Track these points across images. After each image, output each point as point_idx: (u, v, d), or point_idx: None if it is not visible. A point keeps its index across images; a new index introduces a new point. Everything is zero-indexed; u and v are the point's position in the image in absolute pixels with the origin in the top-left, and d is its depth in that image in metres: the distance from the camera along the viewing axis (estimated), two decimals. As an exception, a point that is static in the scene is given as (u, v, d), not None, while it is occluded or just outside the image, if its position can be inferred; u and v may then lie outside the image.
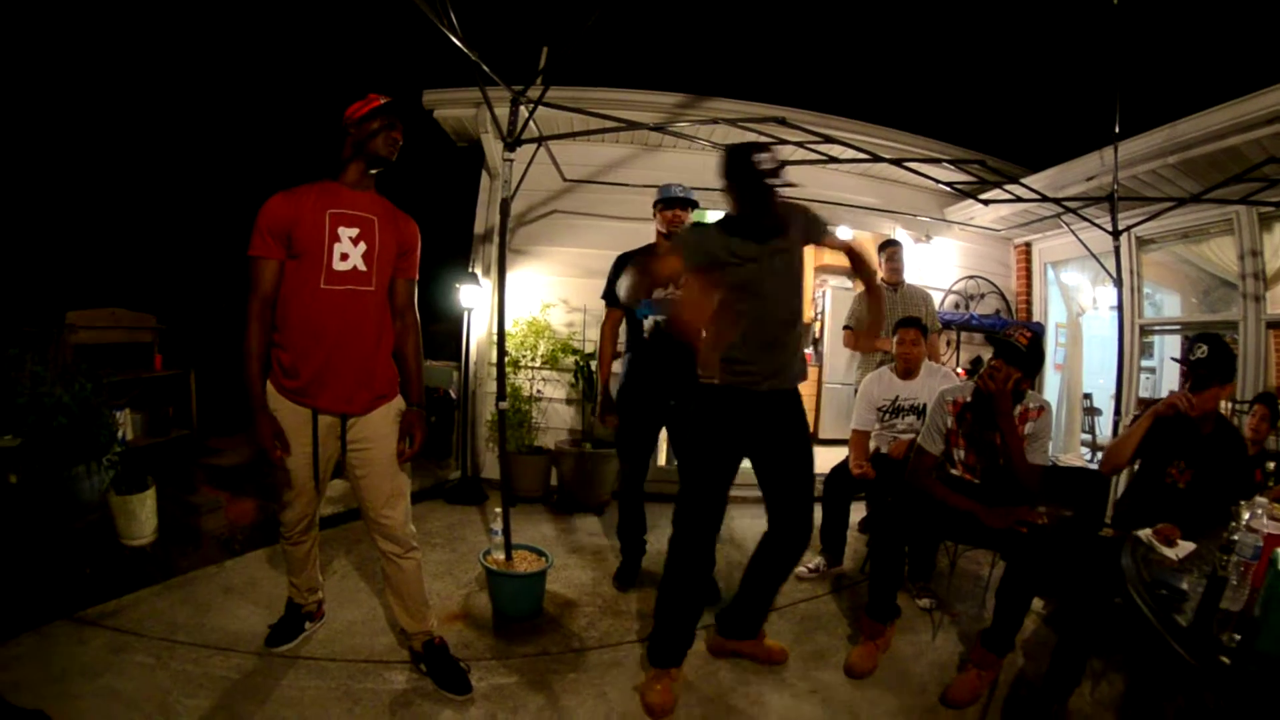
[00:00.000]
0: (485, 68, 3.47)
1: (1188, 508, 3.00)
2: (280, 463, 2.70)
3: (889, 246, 5.47)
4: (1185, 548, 2.63)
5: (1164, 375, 7.63)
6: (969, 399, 3.49)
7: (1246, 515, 2.15)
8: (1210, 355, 3.12)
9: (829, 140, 4.73)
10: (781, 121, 4.35)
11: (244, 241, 2.61)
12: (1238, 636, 1.87)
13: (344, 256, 2.62)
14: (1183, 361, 3.23)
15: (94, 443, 3.91)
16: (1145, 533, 2.72)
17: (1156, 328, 6.72)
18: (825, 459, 5.38)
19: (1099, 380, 8.17)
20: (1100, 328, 8.06)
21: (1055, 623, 3.75)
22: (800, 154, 4.99)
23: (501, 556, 3.57)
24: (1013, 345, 3.25)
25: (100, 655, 2.88)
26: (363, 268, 2.65)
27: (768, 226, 2.89)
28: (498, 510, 3.62)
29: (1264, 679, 1.71)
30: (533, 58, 3.96)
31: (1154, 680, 2.96)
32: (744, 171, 2.81)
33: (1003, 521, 3.22)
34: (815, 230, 3.06)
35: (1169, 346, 7.50)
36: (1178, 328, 6.84)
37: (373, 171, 2.73)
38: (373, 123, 2.64)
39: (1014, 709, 3.03)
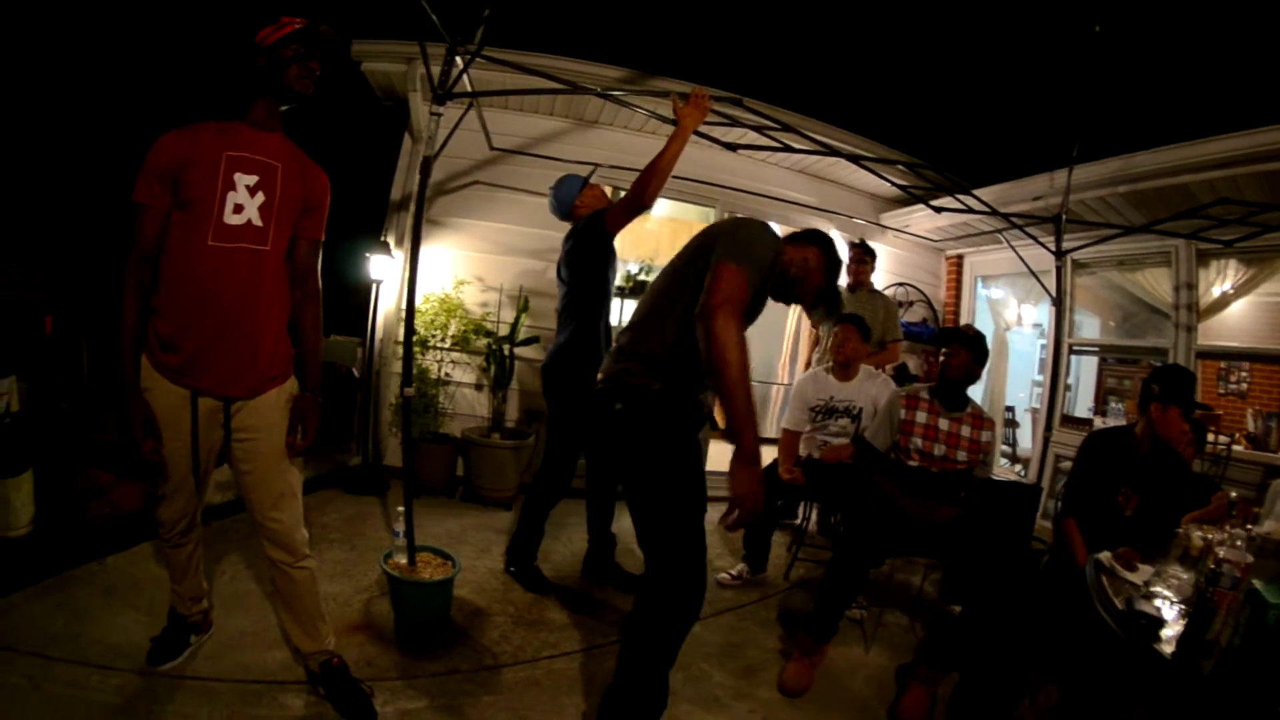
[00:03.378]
0: (426, 5, 3.12)
1: (1135, 533, 3.02)
2: (152, 454, 2.28)
3: (858, 248, 5.40)
4: (1145, 571, 2.62)
5: (1079, 392, 7.83)
6: (923, 394, 3.60)
7: (1223, 550, 2.20)
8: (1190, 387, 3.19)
9: (786, 129, 4.52)
10: (738, 103, 4.12)
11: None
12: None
13: (238, 208, 2.21)
14: (1175, 397, 3.19)
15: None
16: (1105, 556, 2.68)
17: (1079, 348, 6.86)
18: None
19: (1018, 394, 8.35)
20: (1021, 343, 8.23)
21: (995, 637, 3.67)
22: (752, 138, 4.77)
23: (404, 560, 3.21)
24: (961, 332, 3.64)
25: (-31, 675, 2.42)
26: (259, 223, 2.25)
27: None
28: (400, 509, 3.24)
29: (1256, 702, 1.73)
30: (469, 18, 3.62)
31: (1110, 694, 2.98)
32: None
33: (950, 514, 3.41)
34: None
35: (1085, 366, 7.74)
36: (1096, 349, 7.04)
37: (283, 108, 2.33)
38: (286, 50, 2.23)
39: None
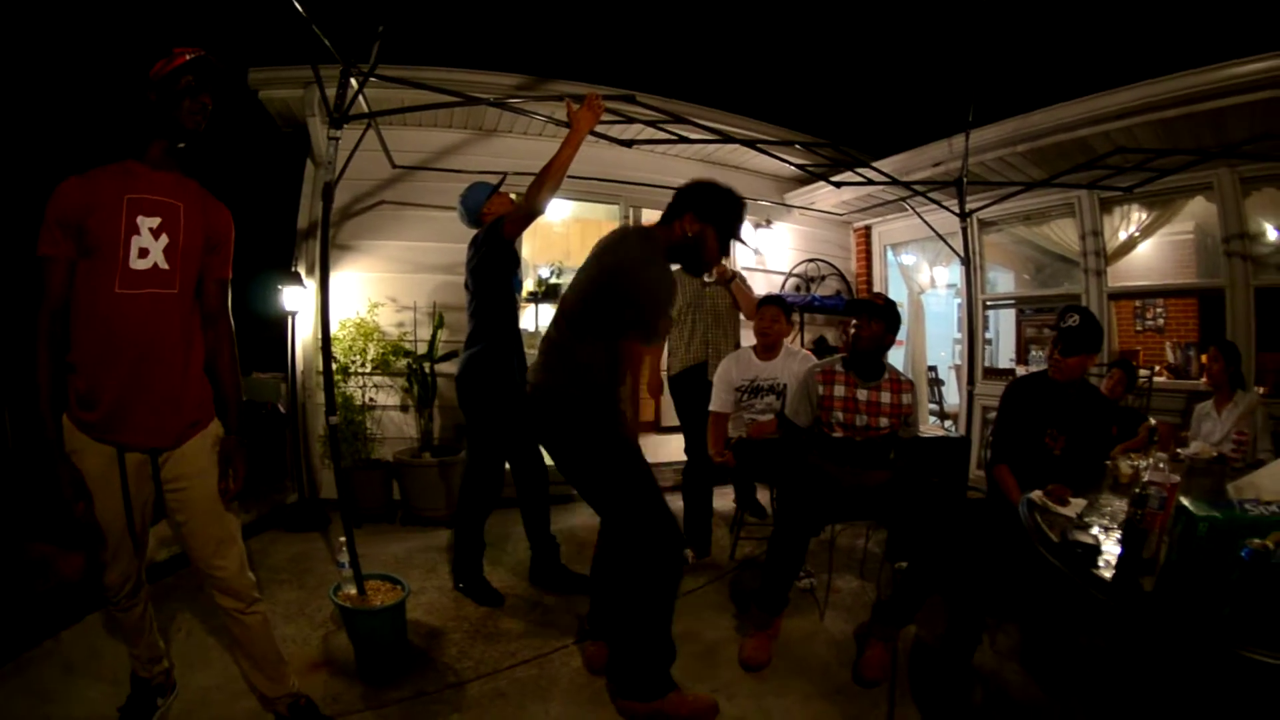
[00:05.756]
0: (317, 29, 3.09)
1: (1065, 471, 3.08)
2: (85, 517, 2.19)
3: None
4: (1077, 504, 2.68)
5: (1000, 346, 8.12)
6: (837, 367, 3.60)
7: (1148, 473, 2.20)
8: (1080, 325, 3.24)
9: (679, 120, 4.58)
10: (630, 99, 4.15)
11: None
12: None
13: (143, 252, 2.13)
14: (1053, 328, 3.35)
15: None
16: (1037, 494, 2.74)
17: (994, 303, 7.12)
18: (675, 447, 5.25)
19: (940, 353, 8.60)
20: (937, 305, 8.48)
21: (945, 587, 3.77)
22: (649, 133, 4.83)
23: (353, 591, 3.17)
24: (870, 302, 3.61)
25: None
26: (165, 265, 2.17)
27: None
28: (343, 539, 3.19)
29: (1193, 616, 1.77)
30: (366, 38, 3.59)
31: (1063, 626, 3.12)
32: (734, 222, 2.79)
33: (880, 478, 3.48)
34: None
35: (1003, 320, 8.04)
36: (1012, 302, 7.31)
37: (180, 146, 2.24)
38: (178, 83, 2.15)
39: (921, 675, 3.10)
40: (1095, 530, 2.35)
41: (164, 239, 2.17)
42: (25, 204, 2.24)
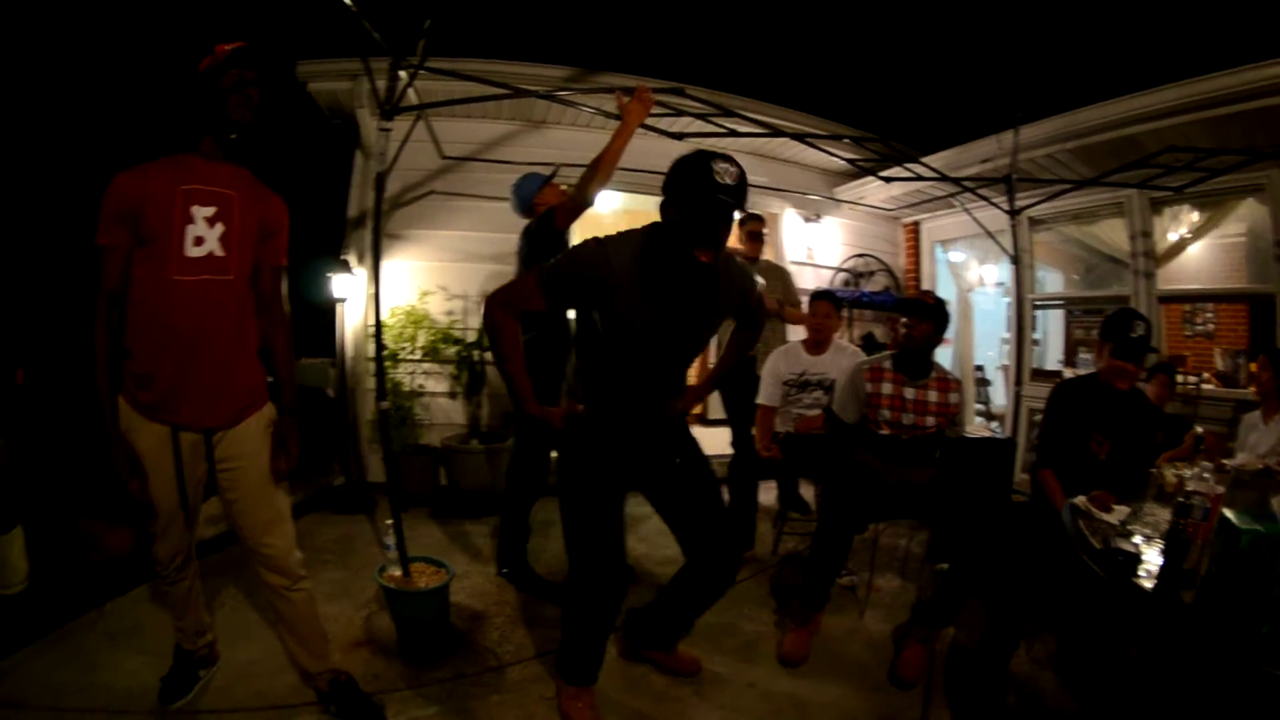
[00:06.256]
0: (367, 23, 3.13)
1: (1110, 477, 3.04)
2: (139, 494, 2.29)
3: (751, 221, 5.28)
4: (1121, 511, 2.67)
5: (1049, 347, 7.98)
6: (886, 364, 3.55)
7: (1192, 483, 2.22)
8: (1148, 333, 3.15)
9: (728, 113, 4.57)
10: (680, 92, 4.15)
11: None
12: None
13: (199, 240, 2.21)
14: (1112, 337, 3.19)
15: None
16: (1081, 500, 2.73)
17: (1042, 303, 7.04)
18: (721, 439, 5.25)
19: (988, 353, 8.48)
20: (985, 303, 8.37)
21: (986, 591, 3.74)
22: (698, 126, 4.86)
23: (398, 572, 3.22)
24: (921, 302, 3.50)
25: (-14, 737, 2.40)
26: (220, 253, 2.25)
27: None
28: (389, 522, 3.25)
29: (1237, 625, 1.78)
30: (414, 30, 3.64)
31: (1101, 637, 3.06)
32: (695, 183, 2.29)
33: (926, 476, 3.44)
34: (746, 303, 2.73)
35: (1052, 320, 7.90)
36: (1060, 303, 7.19)
37: (233, 137, 2.31)
38: (222, 79, 2.22)
39: (957, 678, 3.08)
40: (1137, 539, 2.34)
41: (219, 227, 2.24)
42: (83, 196, 2.30)
